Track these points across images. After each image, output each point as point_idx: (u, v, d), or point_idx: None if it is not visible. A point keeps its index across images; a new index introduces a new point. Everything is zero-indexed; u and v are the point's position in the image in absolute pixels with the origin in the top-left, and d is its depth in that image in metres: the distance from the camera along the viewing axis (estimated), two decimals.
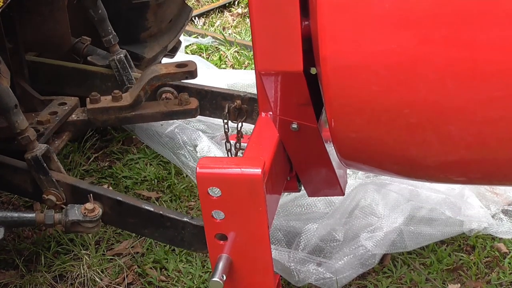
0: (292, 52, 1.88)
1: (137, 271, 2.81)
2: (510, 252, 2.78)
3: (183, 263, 2.83)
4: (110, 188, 3.25)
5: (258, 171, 1.80)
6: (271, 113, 2.06)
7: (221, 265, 1.90)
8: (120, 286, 2.75)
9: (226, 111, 2.59)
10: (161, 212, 2.37)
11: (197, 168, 1.84)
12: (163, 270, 2.81)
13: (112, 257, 2.87)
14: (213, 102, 2.95)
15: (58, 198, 2.45)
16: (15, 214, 2.38)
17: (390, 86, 1.68)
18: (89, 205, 2.34)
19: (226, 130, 2.48)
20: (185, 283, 2.73)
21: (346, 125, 1.81)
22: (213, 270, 1.90)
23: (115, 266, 2.83)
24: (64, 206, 2.42)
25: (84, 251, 2.88)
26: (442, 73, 1.61)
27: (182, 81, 2.86)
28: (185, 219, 2.33)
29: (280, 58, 1.91)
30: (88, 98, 2.82)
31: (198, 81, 2.89)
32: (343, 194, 2.38)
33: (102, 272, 2.79)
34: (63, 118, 2.77)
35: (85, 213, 2.34)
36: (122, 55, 3.01)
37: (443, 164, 1.79)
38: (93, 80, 3.09)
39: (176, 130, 3.48)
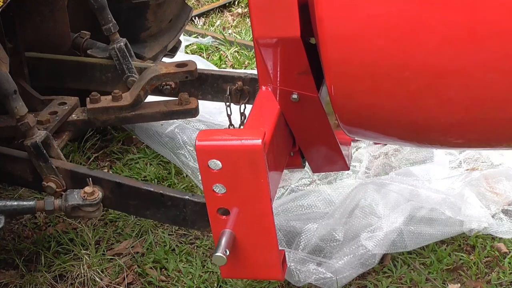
0: (289, 17, 1.85)
1: (137, 271, 2.81)
2: (510, 252, 2.78)
3: (183, 263, 2.83)
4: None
5: (258, 141, 1.76)
6: (271, 86, 2.02)
7: (224, 240, 1.86)
8: (120, 286, 2.75)
9: (228, 93, 2.56)
10: (161, 192, 2.35)
11: (196, 140, 1.80)
12: (163, 270, 2.81)
13: (112, 257, 2.87)
14: (214, 85, 2.92)
15: (58, 185, 2.43)
16: (15, 203, 2.36)
17: (389, 49, 1.67)
18: (88, 189, 2.33)
19: (229, 114, 2.45)
20: (185, 283, 2.73)
21: (346, 91, 1.78)
22: (216, 246, 1.86)
23: (115, 266, 2.83)
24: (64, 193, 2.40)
25: (84, 251, 2.88)
26: (440, 35, 1.61)
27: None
28: (186, 197, 2.32)
29: (276, 24, 1.87)
30: (88, 98, 2.82)
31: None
32: (348, 169, 2.34)
33: (102, 272, 2.79)
34: (63, 118, 2.77)
35: (84, 196, 2.33)
36: (122, 44, 2.97)
37: (444, 127, 1.77)
38: (92, 72, 3.06)
39: (176, 130, 3.48)
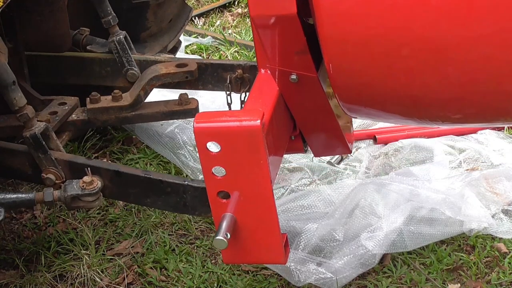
0: None
1: (137, 271, 2.81)
2: (510, 252, 2.78)
3: (183, 263, 2.83)
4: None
5: (256, 122, 1.74)
6: (270, 67, 2.00)
7: (224, 224, 1.83)
8: (120, 286, 2.75)
9: (228, 81, 2.54)
10: (160, 178, 2.34)
11: (194, 122, 1.78)
12: (163, 270, 2.81)
13: (112, 257, 2.87)
14: (214, 74, 2.91)
15: (57, 176, 2.41)
16: (14, 195, 2.35)
17: (386, 24, 1.66)
18: (86, 178, 2.32)
19: (229, 102, 2.44)
20: (185, 283, 2.73)
21: (344, 68, 1.77)
22: (217, 229, 1.83)
23: (115, 266, 2.83)
24: None
25: (84, 251, 2.88)
26: (437, 10, 1.60)
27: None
28: (186, 182, 2.30)
29: (273, 1, 1.85)
30: (88, 98, 2.82)
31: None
32: (350, 152, 2.31)
33: (102, 272, 2.79)
34: (63, 118, 2.77)
35: (83, 186, 2.31)
36: (121, 36, 2.95)
37: (443, 102, 1.77)
38: (91, 67, 3.05)
39: (176, 130, 3.48)
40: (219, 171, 1.84)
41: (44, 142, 2.39)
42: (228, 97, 2.44)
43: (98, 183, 2.33)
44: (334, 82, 1.82)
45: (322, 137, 2.21)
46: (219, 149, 1.80)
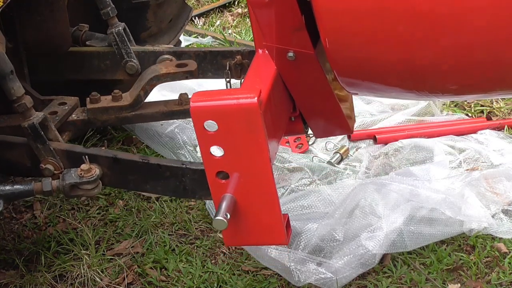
0: None
1: (137, 271, 2.81)
2: (510, 252, 2.78)
3: (183, 263, 2.83)
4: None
5: (253, 100, 1.72)
6: (267, 46, 1.96)
7: (224, 204, 1.81)
8: (120, 286, 2.75)
9: (227, 68, 2.52)
10: (158, 163, 2.32)
11: (191, 102, 1.75)
12: (163, 270, 2.81)
13: (112, 257, 2.87)
14: (213, 62, 2.89)
15: (56, 167, 2.39)
16: (12, 186, 2.34)
17: None
18: (84, 166, 2.30)
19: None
20: (185, 283, 2.73)
21: (340, 43, 1.75)
22: (216, 210, 1.81)
23: (115, 266, 2.83)
24: None
25: (84, 251, 2.88)
26: None
27: (180, 46, 2.78)
28: (184, 165, 2.28)
29: None
30: (88, 98, 2.82)
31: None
32: (351, 132, 2.27)
33: (102, 272, 2.79)
34: (63, 118, 2.77)
35: (81, 174, 2.30)
36: (120, 28, 2.92)
37: (441, 73, 1.75)
38: (90, 61, 3.04)
39: (176, 130, 3.48)
40: (217, 150, 1.81)
41: (42, 132, 2.37)
42: (228, 84, 2.42)
43: (96, 170, 2.31)
44: (331, 56, 1.80)
45: (322, 117, 2.17)
46: (217, 128, 1.77)
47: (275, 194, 1.85)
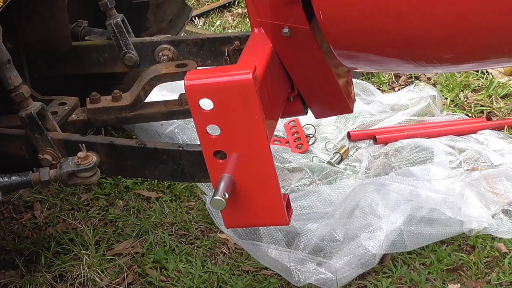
0: None
1: (137, 271, 2.81)
2: (510, 252, 2.78)
3: (183, 263, 2.83)
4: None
5: (248, 76, 1.69)
6: (262, 23, 1.94)
7: (222, 184, 1.78)
8: (120, 286, 2.75)
9: (226, 54, 2.50)
10: (154, 147, 2.31)
11: (185, 80, 1.73)
12: (163, 270, 2.81)
13: (112, 257, 2.87)
14: (212, 49, 2.87)
15: (54, 157, 2.38)
16: (10, 178, 2.32)
17: None
18: (81, 154, 2.29)
19: None
20: (185, 283, 2.73)
21: (333, 15, 1.74)
22: (215, 190, 1.78)
23: (115, 266, 2.83)
24: None
25: (84, 251, 2.88)
26: None
27: (178, 35, 2.76)
28: (181, 148, 2.27)
29: None
30: (88, 98, 2.82)
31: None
32: (351, 111, 2.23)
33: (102, 272, 2.79)
34: (63, 118, 2.76)
35: (78, 162, 2.29)
36: (119, 19, 2.90)
37: (434, 41, 1.74)
38: (89, 55, 3.02)
39: (176, 130, 3.48)
40: (213, 129, 1.79)
41: (40, 122, 2.36)
42: None
43: (93, 158, 2.31)
44: (326, 30, 1.78)
45: (320, 95, 2.13)
46: (212, 106, 1.75)
47: (274, 173, 1.82)
